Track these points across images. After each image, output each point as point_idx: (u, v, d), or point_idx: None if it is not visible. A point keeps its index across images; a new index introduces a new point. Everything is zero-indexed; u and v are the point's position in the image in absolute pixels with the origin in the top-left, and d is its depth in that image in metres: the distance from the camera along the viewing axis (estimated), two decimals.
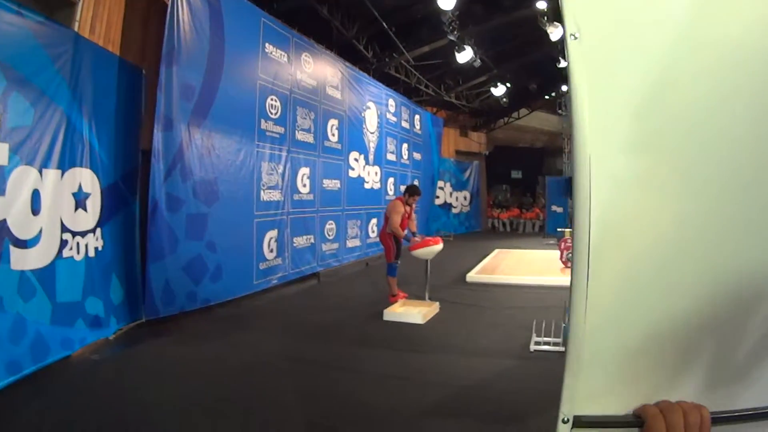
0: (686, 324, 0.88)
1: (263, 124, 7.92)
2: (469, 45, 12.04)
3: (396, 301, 7.42)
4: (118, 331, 5.67)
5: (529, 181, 25.33)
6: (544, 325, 5.53)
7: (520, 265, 11.40)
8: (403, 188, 8.56)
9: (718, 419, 0.84)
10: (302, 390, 4.38)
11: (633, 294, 0.87)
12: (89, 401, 3.98)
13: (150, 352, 5.31)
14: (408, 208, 7.79)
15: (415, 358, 5.29)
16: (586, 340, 0.86)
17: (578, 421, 0.86)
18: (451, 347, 5.64)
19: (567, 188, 20.17)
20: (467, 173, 21.08)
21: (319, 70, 9.70)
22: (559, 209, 19.75)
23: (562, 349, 5.31)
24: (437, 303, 7.31)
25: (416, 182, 13.50)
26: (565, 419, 0.86)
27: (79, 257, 5.05)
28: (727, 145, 0.84)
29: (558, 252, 11.50)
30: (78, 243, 5.04)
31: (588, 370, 0.87)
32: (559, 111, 21.87)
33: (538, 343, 5.50)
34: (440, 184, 19.00)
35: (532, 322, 5.79)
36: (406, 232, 7.64)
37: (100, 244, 5.42)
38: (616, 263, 0.85)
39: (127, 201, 5.98)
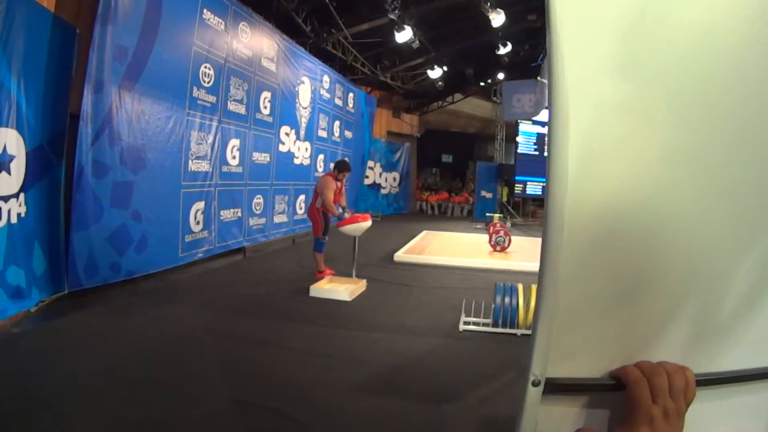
0: (669, 271, 0.80)
1: (195, 92, 7.67)
2: (409, 25, 12.03)
3: (323, 278, 7.45)
4: (40, 303, 5.43)
5: (459, 166, 25.78)
6: (473, 305, 5.68)
7: (449, 247, 11.64)
8: (332, 164, 8.61)
9: (702, 381, 0.79)
10: (226, 365, 4.35)
11: (612, 236, 0.77)
12: (8, 376, 3.81)
13: (72, 325, 5.11)
14: (339, 184, 7.86)
15: (341, 335, 5.33)
16: (559, 291, 0.76)
17: (550, 384, 0.78)
18: (378, 325, 5.72)
19: (497, 174, 20.70)
20: (398, 155, 21.23)
21: (255, 41, 9.47)
22: (489, 195, 20.31)
23: (491, 329, 5.50)
24: (364, 281, 7.38)
25: (346, 159, 13.44)
26: (536, 381, 0.78)
27: (0, 223, 4.79)
28: (723, 71, 0.76)
29: (486, 236, 11.83)
30: (0, 208, 4.77)
31: (562, 326, 0.78)
32: (494, 98, 22.31)
33: (467, 323, 5.64)
34: (370, 164, 19.09)
35: (460, 302, 5.94)
36: (338, 210, 7.68)
37: (23, 210, 5.14)
38: (595, 200, 0.76)
39: (53, 166, 5.67)
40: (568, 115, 0.74)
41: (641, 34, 0.74)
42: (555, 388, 0.79)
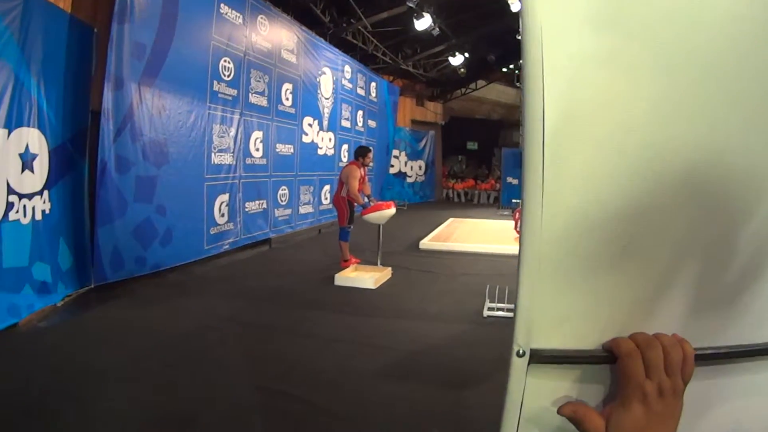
0: (665, 233, 0.74)
1: (216, 86, 7.73)
2: (428, 12, 11.95)
3: (348, 266, 7.48)
4: (67, 298, 5.54)
5: (484, 153, 25.52)
6: (498, 291, 5.60)
7: (474, 234, 11.57)
8: (352, 152, 8.72)
9: (700, 356, 0.72)
10: (252, 354, 4.41)
11: (599, 193, 0.72)
12: (36, 369, 3.89)
13: (98, 318, 5.22)
14: (364, 170, 7.92)
15: (366, 323, 5.35)
16: (543, 254, 0.71)
17: (536, 355, 0.73)
18: (403, 312, 5.72)
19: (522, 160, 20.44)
20: (423, 143, 21.12)
21: (274, 33, 9.49)
22: (515, 181, 20.04)
23: None
24: (389, 268, 7.38)
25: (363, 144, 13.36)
26: (521, 351, 0.73)
27: (25, 221, 4.89)
28: (711, 19, 0.70)
29: (513, 222, 11.73)
30: (24, 206, 4.87)
31: (549, 291, 0.73)
32: (517, 84, 22.01)
33: (491, 309, 5.61)
34: (395, 153, 19.05)
35: (485, 289, 5.87)
36: (363, 199, 7.75)
37: (47, 207, 5.25)
38: (578, 154, 0.70)
39: (76, 163, 5.78)
40: (542, 68, 0.68)
41: None
42: (542, 359, 0.74)
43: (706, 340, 0.75)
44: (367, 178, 8.25)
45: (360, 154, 8.06)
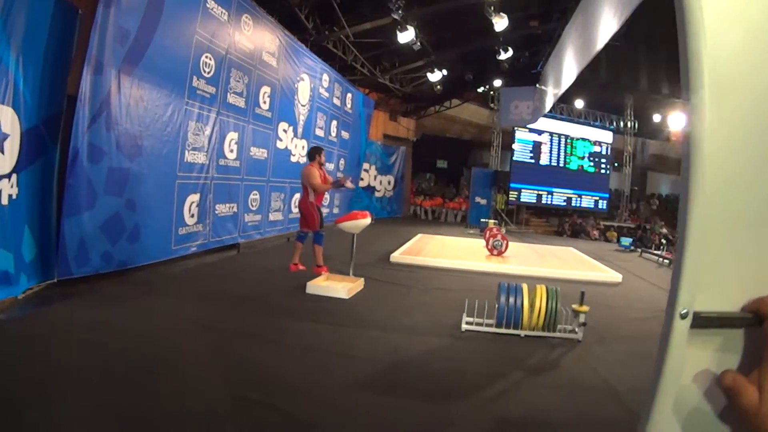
0: None
1: (195, 81, 7.53)
2: (412, 26, 11.98)
3: (321, 273, 7.37)
4: (28, 291, 5.25)
5: (453, 172, 25.75)
6: (476, 305, 5.53)
7: (445, 250, 11.53)
8: (306, 154, 9.43)
9: None
10: (222, 360, 4.20)
11: (752, 150, 0.73)
12: None
13: (60, 314, 4.94)
14: (322, 170, 8.03)
15: (340, 333, 5.20)
16: (708, 208, 0.72)
17: (697, 318, 0.73)
18: (378, 323, 5.60)
19: (493, 181, 20.72)
20: (393, 158, 21.17)
21: (257, 35, 9.34)
22: (483, 201, 20.30)
23: (494, 329, 5.38)
24: (362, 279, 7.26)
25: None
26: (684, 313, 0.72)
27: None
28: None
29: (482, 241, 11.77)
30: None
31: (708, 252, 0.73)
32: (491, 105, 22.33)
33: (469, 323, 5.52)
34: (365, 166, 19.00)
35: (459, 303, 5.84)
36: (332, 179, 8.06)
37: (14, 192, 4.96)
38: (734, 110, 0.72)
39: (48, 148, 5.50)
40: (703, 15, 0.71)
41: None
42: (700, 322, 0.73)
43: None
44: (327, 176, 8.28)
45: (316, 152, 8.08)
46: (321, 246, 7.84)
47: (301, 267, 7.84)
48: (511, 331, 5.34)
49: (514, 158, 21.55)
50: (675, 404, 0.75)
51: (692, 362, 0.74)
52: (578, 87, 13.37)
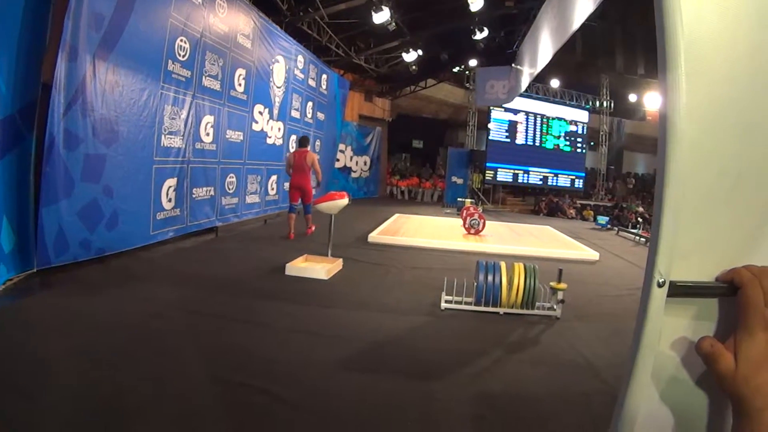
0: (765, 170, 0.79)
1: (170, 65, 7.43)
2: (387, 7, 11.93)
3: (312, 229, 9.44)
4: (8, 282, 5.19)
5: (429, 152, 25.84)
6: (455, 284, 5.62)
7: (422, 230, 11.64)
8: (300, 140, 10.12)
9: None
10: (204, 344, 4.22)
11: (714, 123, 0.76)
12: None
13: (41, 304, 4.90)
14: None
15: (321, 313, 5.26)
16: (687, 178, 0.75)
17: (673, 287, 0.75)
18: (358, 303, 5.67)
19: (469, 160, 20.82)
20: (369, 138, 21.16)
21: (232, 17, 9.22)
22: (459, 180, 20.40)
23: (473, 308, 5.48)
24: (340, 260, 7.32)
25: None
26: (661, 282, 0.75)
27: None
28: None
29: (459, 220, 11.87)
30: None
31: (683, 224, 0.76)
32: (467, 85, 22.36)
33: (448, 302, 5.61)
34: (341, 147, 18.99)
35: (437, 282, 5.94)
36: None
37: None
38: (700, 88, 0.75)
39: (23, 137, 5.40)
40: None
41: None
42: (676, 291, 0.76)
43: None
44: None
45: (306, 143, 9.79)
46: (311, 214, 9.66)
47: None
48: (490, 309, 5.45)
49: (490, 137, 21.67)
50: (653, 371, 0.78)
51: (669, 330, 0.78)
52: (554, 67, 13.49)
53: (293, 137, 13.11)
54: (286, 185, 11.09)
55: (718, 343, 0.74)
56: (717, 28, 0.75)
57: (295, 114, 13.25)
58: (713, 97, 0.75)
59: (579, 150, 23.38)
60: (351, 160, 20.23)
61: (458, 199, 17.71)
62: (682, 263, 0.77)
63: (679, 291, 0.76)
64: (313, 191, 9.85)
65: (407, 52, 16.33)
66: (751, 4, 0.75)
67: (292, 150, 12.89)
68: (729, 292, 0.75)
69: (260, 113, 11.13)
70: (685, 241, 0.77)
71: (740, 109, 0.77)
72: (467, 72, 21.86)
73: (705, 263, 0.78)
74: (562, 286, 5.37)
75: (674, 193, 0.75)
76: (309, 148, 9.74)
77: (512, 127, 21.99)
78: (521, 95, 17.29)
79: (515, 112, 21.72)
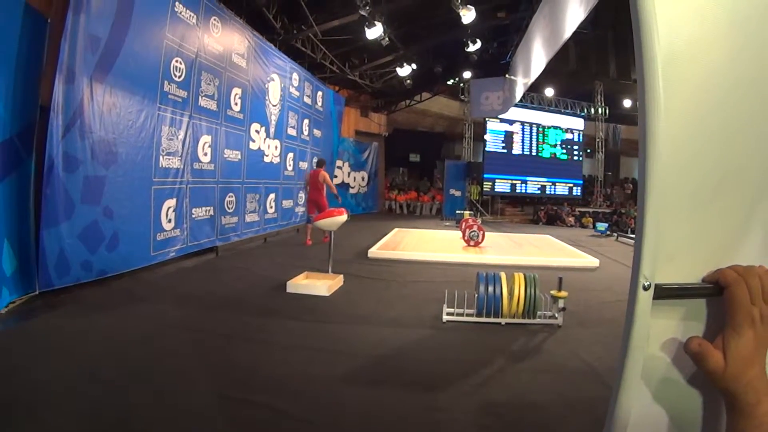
0: (751, 170, 0.80)
1: (166, 86, 7.49)
2: (380, 22, 12.03)
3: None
4: (11, 304, 5.19)
5: (426, 165, 25.90)
6: (456, 296, 5.63)
7: (422, 243, 11.64)
8: (318, 161, 11.55)
9: None
10: (207, 361, 4.22)
11: (700, 125, 0.78)
12: None
13: (44, 326, 4.89)
14: None
15: (323, 329, 5.24)
16: (668, 182, 0.76)
17: (659, 289, 0.77)
18: (360, 318, 5.66)
19: (466, 173, 20.86)
20: (366, 154, 21.23)
21: (226, 37, 9.31)
22: (457, 193, 20.44)
23: (474, 319, 5.48)
24: (341, 276, 7.31)
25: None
26: (646, 285, 0.76)
27: None
28: None
29: (458, 233, 11.89)
30: None
31: (667, 227, 0.77)
32: (462, 97, 22.45)
33: (450, 314, 5.60)
34: (338, 163, 19.03)
35: (438, 295, 5.93)
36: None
37: None
38: (684, 89, 0.76)
39: (22, 160, 5.43)
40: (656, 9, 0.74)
41: None
42: (662, 293, 0.78)
43: None
44: None
45: (324, 163, 11.17)
46: None
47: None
48: (491, 319, 5.45)
49: (487, 149, 21.76)
50: (644, 373, 0.80)
51: (659, 332, 0.80)
52: (548, 75, 13.56)
53: (290, 155, 13.18)
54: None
55: (706, 342, 0.76)
56: (695, 36, 0.76)
57: (292, 132, 13.30)
58: (694, 102, 0.77)
59: (576, 158, 23.47)
60: (349, 176, 20.27)
61: (457, 211, 17.74)
62: (668, 266, 0.78)
63: (665, 293, 0.78)
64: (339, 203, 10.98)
65: (401, 66, 16.42)
66: (729, 11, 0.77)
67: (290, 168, 13.11)
68: (715, 293, 0.77)
69: (257, 132, 11.18)
70: (670, 244, 0.79)
71: (722, 114, 0.78)
72: (462, 84, 21.96)
73: (691, 265, 0.80)
74: (563, 294, 5.38)
75: (656, 197, 0.76)
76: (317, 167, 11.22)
77: (508, 137, 22.08)
78: (516, 105, 17.38)
79: (511, 122, 21.82)
